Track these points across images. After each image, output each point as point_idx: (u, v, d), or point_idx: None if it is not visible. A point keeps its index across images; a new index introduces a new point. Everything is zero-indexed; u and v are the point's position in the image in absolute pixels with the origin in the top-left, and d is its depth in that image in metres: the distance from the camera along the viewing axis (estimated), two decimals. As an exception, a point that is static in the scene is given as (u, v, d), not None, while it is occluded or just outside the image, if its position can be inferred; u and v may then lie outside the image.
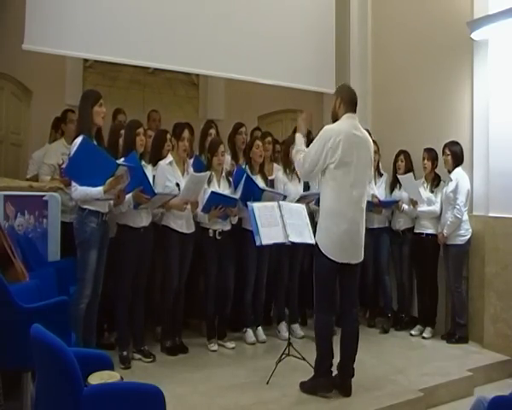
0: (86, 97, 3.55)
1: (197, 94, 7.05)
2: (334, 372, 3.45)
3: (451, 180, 4.67)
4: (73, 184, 3.45)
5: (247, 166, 4.59)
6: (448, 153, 4.69)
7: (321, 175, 3.46)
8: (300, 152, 3.54)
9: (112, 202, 3.64)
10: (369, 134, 5.40)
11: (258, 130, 5.33)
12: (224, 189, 4.34)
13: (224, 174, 4.43)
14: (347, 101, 3.45)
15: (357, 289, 3.60)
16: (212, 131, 4.78)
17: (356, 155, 3.35)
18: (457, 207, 4.57)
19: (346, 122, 3.41)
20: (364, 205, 3.48)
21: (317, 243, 3.43)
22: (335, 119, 3.48)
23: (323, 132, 3.40)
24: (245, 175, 4.32)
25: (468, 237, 4.64)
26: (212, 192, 4.08)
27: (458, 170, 4.67)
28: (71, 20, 4.21)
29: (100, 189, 3.38)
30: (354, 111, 3.47)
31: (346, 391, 3.40)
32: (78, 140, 3.35)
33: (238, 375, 3.75)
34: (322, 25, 5.67)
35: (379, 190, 5.15)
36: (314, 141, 3.46)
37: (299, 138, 3.65)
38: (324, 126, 3.48)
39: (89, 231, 3.46)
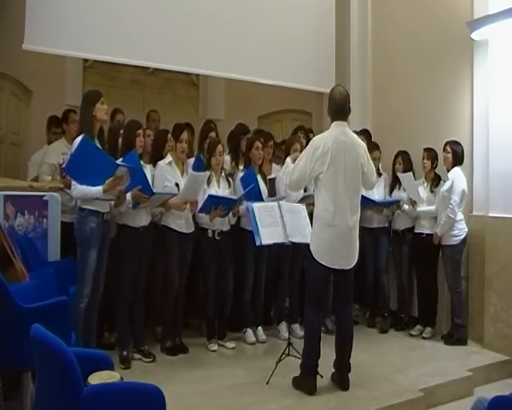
0: (87, 97, 3.57)
1: (197, 94, 7.05)
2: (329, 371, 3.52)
3: (448, 179, 4.66)
4: (73, 182, 3.46)
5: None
6: (449, 150, 4.66)
7: (314, 183, 3.54)
8: (289, 167, 3.75)
9: (112, 202, 3.65)
10: (370, 135, 5.51)
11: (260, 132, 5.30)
12: (223, 189, 4.34)
13: (223, 174, 4.43)
14: (333, 110, 3.51)
15: (351, 288, 3.63)
16: (212, 134, 4.76)
17: (345, 160, 3.40)
18: (450, 206, 4.54)
19: (334, 130, 3.48)
20: (357, 209, 3.53)
21: (309, 247, 3.49)
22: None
23: (312, 143, 3.51)
24: (253, 184, 4.29)
25: (463, 236, 4.59)
26: (210, 195, 4.07)
27: (456, 169, 4.63)
28: (71, 20, 4.21)
29: (99, 188, 3.40)
30: (343, 118, 3.51)
31: (344, 386, 3.48)
32: (78, 139, 3.37)
33: (238, 375, 3.75)
34: (323, 25, 5.67)
35: (378, 189, 5.14)
36: (303, 152, 3.58)
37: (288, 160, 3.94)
38: (313, 137, 3.61)
39: (88, 231, 3.47)
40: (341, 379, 3.50)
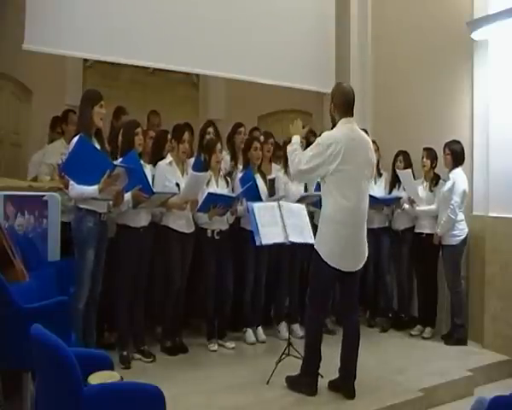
0: (87, 97, 3.56)
1: (197, 94, 7.05)
2: (333, 374, 3.46)
3: (449, 180, 4.66)
4: (71, 182, 3.46)
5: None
6: (448, 152, 4.67)
7: (321, 182, 3.43)
8: (297, 151, 3.49)
9: (111, 202, 3.65)
10: (367, 134, 5.49)
11: (257, 130, 5.31)
12: (221, 188, 4.34)
13: (222, 174, 4.43)
14: (340, 105, 3.40)
15: (357, 293, 3.57)
16: (211, 129, 4.77)
17: (355, 159, 3.32)
18: (451, 207, 4.54)
19: (344, 128, 3.37)
20: (366, 209, 3.44)
21: (316, 249, 3.39)
22: (333, 122, 3.46)
23: (322, 139, 3.36)
24: (251, 182, 4.29)
25: (463, 237, 4.60)
26: (209, 193, 4.08)
27: (457, 170, 4.64)
28: (71, 20, 4.21)
29: (95, 187, 3.39)
30: (350, 114, 3.41)
31: (349, 393, 3.38)
32: (76, 139, 3.37)
33: (238, 375, 3.74)
34: (323, 25, 5.67)
35: (378, 189, 5.14)
36: (312, 145, 3.41)
37: (296, 138, 3.61)
38: (323, 132, 3.46)
39: (86, 231, 3.47)
40: (347, 387, 3.40)
